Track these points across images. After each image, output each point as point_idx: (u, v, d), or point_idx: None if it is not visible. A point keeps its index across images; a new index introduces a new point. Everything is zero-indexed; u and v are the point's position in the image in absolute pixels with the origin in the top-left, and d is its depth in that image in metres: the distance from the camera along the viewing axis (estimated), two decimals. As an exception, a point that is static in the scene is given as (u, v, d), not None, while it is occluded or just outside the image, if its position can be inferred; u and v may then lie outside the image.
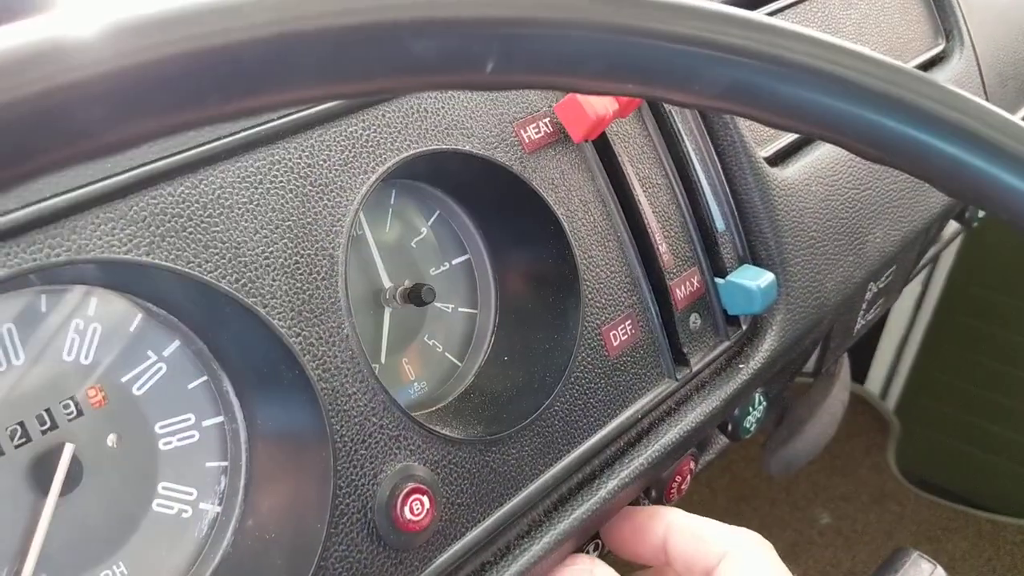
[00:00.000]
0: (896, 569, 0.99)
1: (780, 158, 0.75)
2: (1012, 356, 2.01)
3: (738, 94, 0.29)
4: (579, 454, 0.61)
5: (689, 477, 0.74)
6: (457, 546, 0.55)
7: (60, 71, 0.20)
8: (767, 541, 0.61)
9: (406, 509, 0.51)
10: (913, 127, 0.29)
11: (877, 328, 2.19)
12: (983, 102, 0.30)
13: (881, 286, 0.87)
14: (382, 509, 0.51)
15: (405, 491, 0.52)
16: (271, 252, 0.50)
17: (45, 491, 0.47)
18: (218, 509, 0.53)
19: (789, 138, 0.76)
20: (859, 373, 2.27)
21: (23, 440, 0.47)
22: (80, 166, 0.45)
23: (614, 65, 0.27)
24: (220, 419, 0.53)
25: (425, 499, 0.52)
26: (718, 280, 0.70)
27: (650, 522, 0.65)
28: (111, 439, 0.50)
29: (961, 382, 2.10)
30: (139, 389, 0.51)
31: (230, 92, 0.22)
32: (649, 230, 0.66)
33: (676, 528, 0.62)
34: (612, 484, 0.62)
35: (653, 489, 0.72)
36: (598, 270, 0.63)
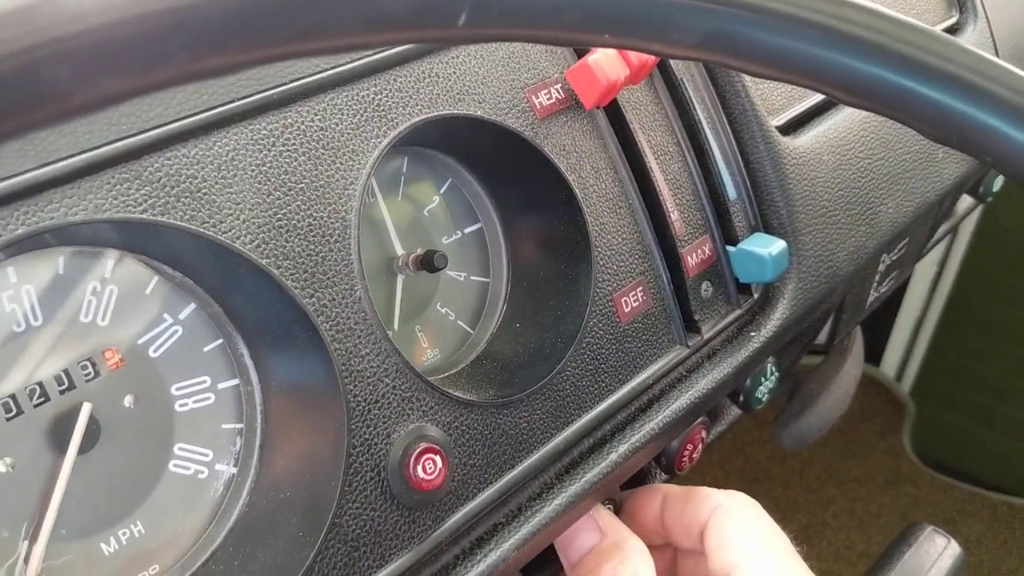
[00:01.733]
0: (910, 544, 0.99)
1: (792, 127, 0.75)
2: (1029, 339, 2.00)
3: (716, 43, 0.29)
4: (590, 419, 0.62)
5: (700, 446, 0.74)
6: (469, 506, 0.55)
7: (28, 32, 0.20)
8: (754, 499, 0.62)
9: (419, 468, 0.52)
10: (888, 69, 0.29)
11: (892, 310, 2.18)
12: (955, 40, 0.30)
13: (894, 259, 0.87)
14: (395, 468, 0.52)
15: (418, 451, 0.52)
16: (284, 214, 0.50)
17: (63, 450, 0.48)
18: (233, 470, 0.53)
19: (801, 107, 0.76)
20: (874, 355, 2.26)
21: (42, 400, 0.48)
22: (93, 126, 0.45)
23: (589, 15, 0.27)
24: (236, 382, 0.54)
25: (438, 459, 0.53)
26: (729, 248, 0.70)
27: (648, 497, 0.66)
28: (128, 400, 0.51)
29: (977, 364, 2.09)
30: (155, 351, 0.52)
31: (200, 50, 0.22)
32: (661, 198, 0.66)
33: (669, 498, 0.64)
34: (623, 448, 0.62)
35: (664, 458, 0.72)
36: (610, 237, 0.63)
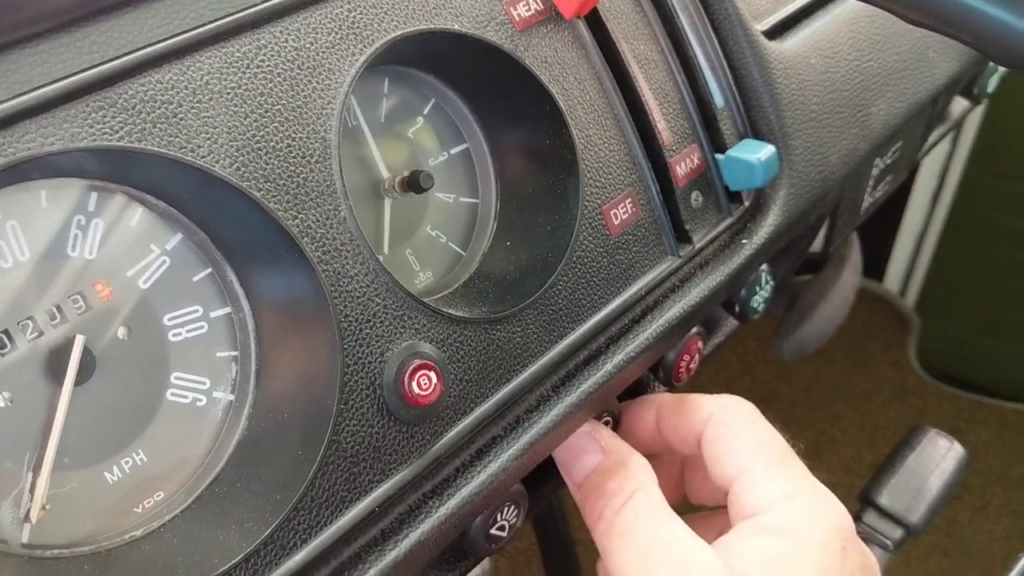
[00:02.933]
0: (913, 447, 1.00)
1: (778, 31, 0.74)
2: (1031, 246, 2.00)
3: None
4: (584, 331, 0.62)
5: (698, 357, 0.74)
6: (467, 420, 0.56)
7: None
8: (749, 401, 0.62)
9: (414, 384, 0.52)
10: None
11: (894, 225, 2.18)
12: None
13: (888, 162, 0.86)
14: (390, 385, 0.52)
15: (412, 367, 0.52)
16: (263, 137, 0.50)
17: (60, 382, 0.48)
18: (231, 397, 0.54)
19: (787, 10, 0.75)
20: (877, 271, 2.26)
21: (35, 334, 0.48)
22: (66, 54, 0.45)
23: None
24: (227, 310, 0.54)
25: (432, 375, 0.53)
26: (718, 156, 0.69)
27: (642, 409, 0.66)
28: (121, 332, 0.51)
29: (981, 274, 2.09)
30: (145, 283, 0.52)
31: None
32: (647, 108, 0.66)
33: (664, 407, 0.64)
34: (618, 358, 0.62)
35: (662, 370, 0.73)
36: (596, 149, 0.63)
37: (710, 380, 2.13)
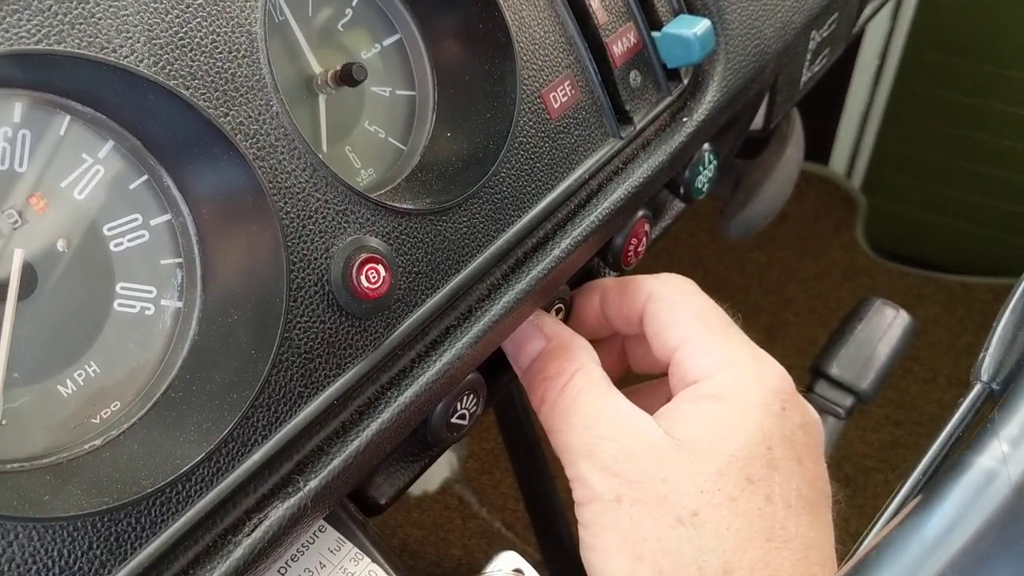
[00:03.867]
0: (861, 317, 1.03)
1: (708, -98, 0.72)
2: (972, 121, 2.02)
3: None
4: (530, 218, 0.62)
5: (645, 240, 0.75)
6: (419, 312, 0.56)
7: None
8: (686, 278, 0.63)
9: (362, 278, 0.52)
10: None
11: (837, 107, 2.19)
12: None
13: (824, 35, 0.86)
14: (338, 280, 0.52)
15: (359, 261, 0.52)
16: (186, 32, 0.49)
17: (3, 297, 0.47)
18: (179, 304, 0.53)
19: None
20: (823, 154, 2.28)
21: (-29, 252, 0.47)
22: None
23: None
24: (167, 217, 0.53)
25: (380, 268, 0.53)
26: (655, 34, 0.69)
27: (588, 295, 0.67)
28: (60, 244, 0.50)
29: (925, 152, 2.12)
30: (80, 193, 0.51)
31: None
32: (579, -13, 0.65)
33: (607, 290, 0.65)
34: (565, 243, 0.63)
35: (610, 255, 0.73)
36: (531, 31, 0.62)
37: (662, 270, 2.16)
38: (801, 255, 2.21)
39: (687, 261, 2.14)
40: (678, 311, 0.60)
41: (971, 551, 0.28)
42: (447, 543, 1.71)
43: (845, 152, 2.27)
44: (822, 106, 2.10)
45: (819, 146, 2.25)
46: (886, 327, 1.01)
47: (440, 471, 1.76)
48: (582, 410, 0.57)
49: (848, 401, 0.98)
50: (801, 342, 2.02)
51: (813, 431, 0.57)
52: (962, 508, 0.29)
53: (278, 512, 0.49)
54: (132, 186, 0.52)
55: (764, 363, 0.58)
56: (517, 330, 0.63)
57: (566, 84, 0.64)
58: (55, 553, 0.42)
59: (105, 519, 0.44)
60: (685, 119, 0.71)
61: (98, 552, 0.44)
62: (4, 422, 0.47)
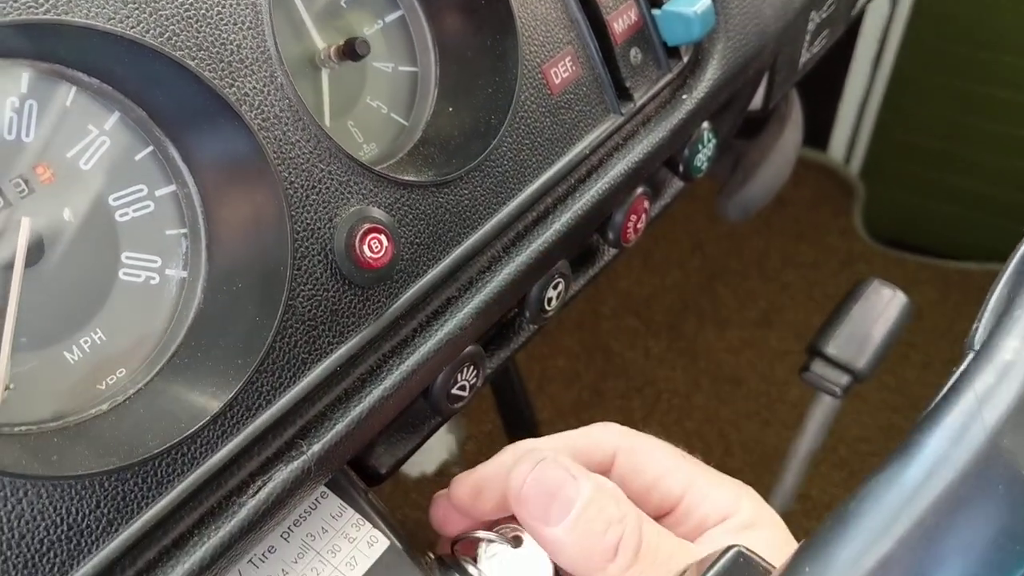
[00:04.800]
0: (857, 298, 1.04)
1: None
2: (971, 107, 2.03)
3: None
4: (531, 192, 0.63)
5: (644, 217, 0.76)
6: (421, 282, 0.57)
7: None
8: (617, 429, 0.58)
9: (365, 248, 0.53)
10: None
11: (836, 93, 2.19)
12: None
13: (824, 16, 0.87)
14: (342, 250, 0.53)
15: (362, 231, 0.53)
16: (192, 4, 0.49)
17: (11, 265, 0.48)
18: (184, 274, 0.54)
19: None
20: (821, 140, 2.29)
21: (-21, 220, 0.48)
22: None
23: None
24: (172, 187, 0.54)
25: (383, 238, 0.54)
26: (655, 11, 0.69)
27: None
28: (67, 213, 0.51)
29: (922, 138, 2.12)
30: (86, 164, 0.51)
31: None
32: (580, -37, 0.65)
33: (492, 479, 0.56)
34: (565, 217, 0.64)
35: (610, 231, 0.74)
36: (532, 7, 0.63)
37: (663, 259, 2.17)
38: (799, 241, 2.22)
39: (686, 246, 2.14)
40: (667, 457, 0.57)
41: (950, 496, 0.29)
42: (446, 524, 1.72)
43: (844, 138, 2.27)
44: (821, 92, 2.10)
45: (818, 132, 2.26)
46: (883, 307, 1.02)
47: (438, 454, 1.77)
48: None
49: (844, 380, 0.99)
50: (798, 327, 2.03)
51: None
52: (940, 454, 0.30)
53: (282, 475, 0.50)
54: (138, 157, 0.53)
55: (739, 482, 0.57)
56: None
57: (567, 60, 0.65)
58: (63, 510, 0.43)
59: (112, 478, 0.45)
60: (685, 96, 0.71)
61: (105, 510, 0.44)
62: (12, 386, 0.48)
